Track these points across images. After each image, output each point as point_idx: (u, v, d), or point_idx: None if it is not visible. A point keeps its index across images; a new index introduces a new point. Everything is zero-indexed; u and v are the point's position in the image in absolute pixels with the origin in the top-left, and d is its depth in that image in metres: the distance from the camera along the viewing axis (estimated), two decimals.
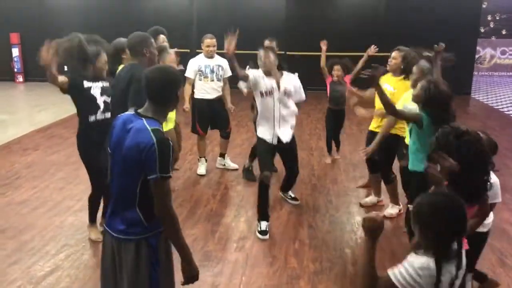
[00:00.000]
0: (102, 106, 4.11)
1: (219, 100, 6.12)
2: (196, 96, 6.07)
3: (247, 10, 12.32)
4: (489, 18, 15.65)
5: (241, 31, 4.44)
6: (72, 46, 3.98)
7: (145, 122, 2.32)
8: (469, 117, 9.87)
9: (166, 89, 2.40)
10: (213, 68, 6.04)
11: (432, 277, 1.87)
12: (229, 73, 6.19)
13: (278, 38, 6.08)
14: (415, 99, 3.51)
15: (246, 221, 4.86)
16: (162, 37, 5.64)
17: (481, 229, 3.06)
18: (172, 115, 5.25)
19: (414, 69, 4.08)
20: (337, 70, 6.31)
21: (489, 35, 15.83)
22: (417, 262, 1.90)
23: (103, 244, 2.59)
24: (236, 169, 6.30)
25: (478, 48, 13.95)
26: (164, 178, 2.27)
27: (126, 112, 2.49)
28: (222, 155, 6.44)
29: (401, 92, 4.40)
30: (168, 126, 5.31)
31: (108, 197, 3.94)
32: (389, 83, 4.68)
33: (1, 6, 12.95)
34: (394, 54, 4.76)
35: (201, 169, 6.25)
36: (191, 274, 2.45)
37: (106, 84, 4.18)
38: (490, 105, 11.43)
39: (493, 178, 2.86)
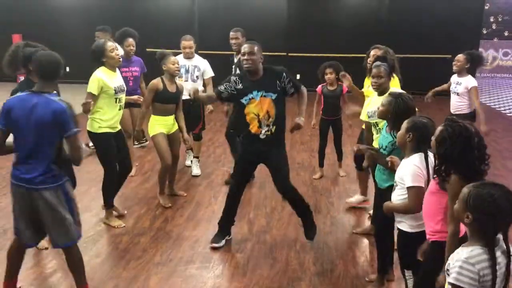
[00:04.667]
0: None
1: (193, 102, 5.65)
2: None
3: (248, 10, 12.30)
4: (492, 19, 15.62)
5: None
6: (9, 54, 3.81)
7: (48, 96, 3.05)
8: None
9: (55, 68, 3.17)
10: (188, 69, 5.95)
11: (484, 266, 1.97)
12: (210, 74, 6.06)
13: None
14: (381, 115, 3.41)
15: (247, 223, 4.87)
16: (130, 40, 5.69)
17: (406, 227, 3.01)
18: (172, 120, 5.21)
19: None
20: (329, 73, 5.77)
21: (492, 36, 15.81)
22: (468, 255, 1.99)
23: (14, 196, 3.18)
24: (197, 176, 6.16)
25: (480, 49, 13.92)
26: (77, 132, 3.09)
27: (15, 95, 3.17)
28: (196, 157, 6.36)
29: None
30: (174, 127, 5.26)
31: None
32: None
33: (3, 7, 12.98)
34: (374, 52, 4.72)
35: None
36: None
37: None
38: (492, 107, 11.40)
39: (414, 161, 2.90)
